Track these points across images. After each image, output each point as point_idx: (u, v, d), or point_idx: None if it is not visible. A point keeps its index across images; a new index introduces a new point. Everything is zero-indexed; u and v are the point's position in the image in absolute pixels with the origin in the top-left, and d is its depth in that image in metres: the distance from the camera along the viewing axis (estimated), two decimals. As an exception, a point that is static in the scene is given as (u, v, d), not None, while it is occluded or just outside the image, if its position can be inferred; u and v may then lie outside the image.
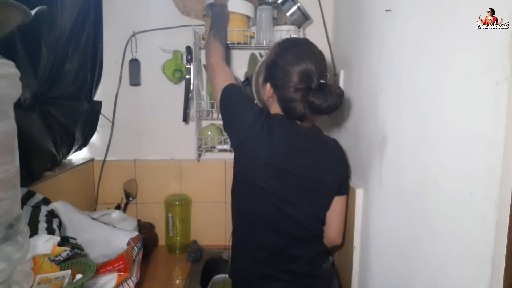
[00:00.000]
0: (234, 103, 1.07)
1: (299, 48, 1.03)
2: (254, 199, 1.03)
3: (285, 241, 1.05)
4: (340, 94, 1.00)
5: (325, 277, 1.10)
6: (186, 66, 1.56)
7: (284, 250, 1.05)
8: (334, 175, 1.09)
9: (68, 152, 1.51)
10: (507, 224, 0.54)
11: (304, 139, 1.07)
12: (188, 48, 1.56)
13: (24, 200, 1.04)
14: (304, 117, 1.04)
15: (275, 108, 1.08)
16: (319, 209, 1.11)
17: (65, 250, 0.94)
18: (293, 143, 1.04)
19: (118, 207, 1.66)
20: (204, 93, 1.65)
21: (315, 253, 1.09)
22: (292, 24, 1.52)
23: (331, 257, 1.22)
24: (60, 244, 0.94)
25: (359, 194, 1.16)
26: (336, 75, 1.47)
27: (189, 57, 1.55)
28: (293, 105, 1.02)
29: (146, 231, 1.61)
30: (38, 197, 1.09)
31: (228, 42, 1.48)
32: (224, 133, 1.62)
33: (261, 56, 1.44)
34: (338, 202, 1.14)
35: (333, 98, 0.98)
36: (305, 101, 0.99)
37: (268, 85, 1.06)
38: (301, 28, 1.53)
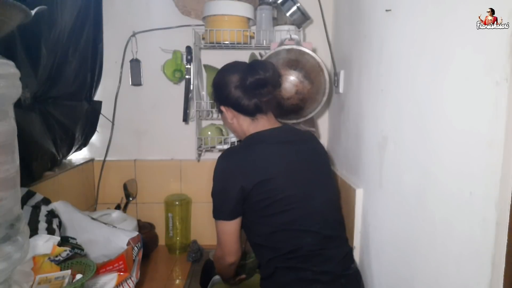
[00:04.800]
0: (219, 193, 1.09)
1: (223, 69, 1.19)
2: (282, 212, 1.05)
3: (319, 242, 1.05)
4: (271, 64, 1.13)
5: (355, 277, 1.10)
6: (186, 66, 1.56)
7: (320, 251, 1.05)
8: (324, 153, 1.22)
9: (68, 152, 1.51)
10: (507, 224, 0.54)
11: (287, 136, 1.15)
12: (188, 48, 1.56)
13: (24, 200, 1.04)
14: (259, 107, 1.12)
15: (245, 124, 1.15)
16: (334, 193, 1.21)
17: (65, 250, 0.94)
18: (281, 145, 1.11)
19: (118, 207, 1.66)
20: (204, 93, 1.65)
21: (344, 253, 1.11)
22: (292, 24, 1.52)
23: None
24: (60, 244, 0.94)
25: (359, 194, 1.16)
26: (336, 75, 1.47)
27: (189, 57, 1.55)
28: (244, 101, 1.11)
29: (146, 231, 1.61)
30: (38, 197, 1.09)
31: (228, 42, 1.48)
32: (224, 133, 1.62)
33: (261, 56, 1.44)
34: None
35: (267, 68, 1.10)
36: (248, 88, 1.09)
37: (222, 109, 1.16)
38: (301, 28, 1.53)
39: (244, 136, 1.16)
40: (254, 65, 1.14)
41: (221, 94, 1.15)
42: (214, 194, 1.09)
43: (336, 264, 1.06)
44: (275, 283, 1.07)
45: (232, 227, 1.09)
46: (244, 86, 1.10)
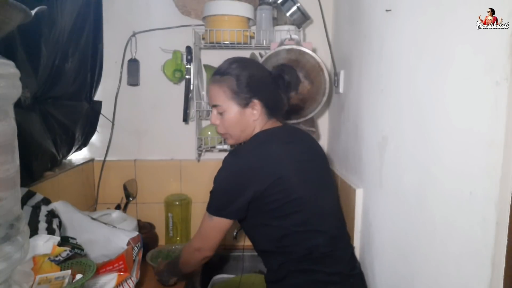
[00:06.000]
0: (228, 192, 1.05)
1: (258, 64, 1.22)
2: (294, 213, 1.03)
3: (329, 243, 1.04)
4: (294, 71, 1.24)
5: (360, 276, 1.11)
6: (186, 66, 1.56)
7: (331, 253, 1.04)
8: (324, 153, 1.22)
9: (68, 152, 1.51)
10: (507, 224, 0.54)
11: (292, 136, 1.15)
12: (188, 48, 1.56)
13: (24, 200, 1.04)
14: (285, 107, 1.17)
15: (261, 122, 1.12)
16: (336, 193, 1.21)
17: (65, 250, 0.94)
18: (290, 145, 1.10)
19: (118, 207, 1.66)
20: (204, 93, 1.65)
21: (350, 253, 1.11)
22: (292, 24, 1.52)
23: None
24: (60, 244, 0.94)
25: (359, 194, 1.16)
26: (336, 75, 1.47)
27: (189, 57, 1.55)
28: (283, 100, 1.15)
29: (146, 231, 1.61)
30: (38, 197, 1.09)
31: (228, 42, 1.48)
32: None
33: (261, 56, 1.44)
34: None
35: (295, 74, 1.22)
36: (281, 87, 1.15)
37: (255, 102, 1.09)
38: (301, 28, 1.53)
39: (249, 135, 1.12)
40: (287, 66, 1.21)
41: (262, 87, 1.10)
42: (220, 191, 1.05)
43: (345, 264, 1.06)
44: (286, 286, 1.04)
45: (228, 226, 1.06)
46: (283, 85, 1.15)
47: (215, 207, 1.06)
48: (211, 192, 1.07)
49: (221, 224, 1.06)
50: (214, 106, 1.12)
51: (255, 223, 1.08)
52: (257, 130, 1.12)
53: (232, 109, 1.09)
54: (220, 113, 1.11)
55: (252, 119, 1.10)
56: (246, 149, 1.10)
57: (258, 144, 1.09)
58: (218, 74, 1.13)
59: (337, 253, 1.05)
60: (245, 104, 1.09)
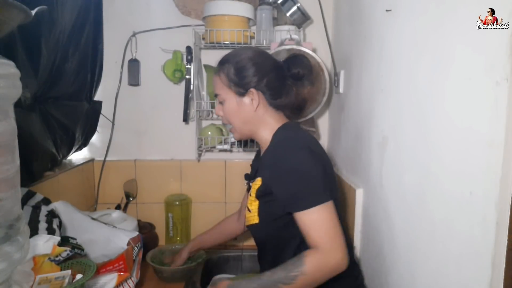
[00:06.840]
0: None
1: (260, 51, 1.08)
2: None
3: (350, 251, 0.99)
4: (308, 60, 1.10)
5: (362, 283, 1.10)
6: (186, 66, 1.56)
7: (353, 261, 1.00)
8: None
9: (68, 152, 1.51)
10: (507, 224, 0.54)
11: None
12: (188, 48, 1.56)
13: (24, 200, 1.04)
14: (292, 100, 1.07)
15: (269, 116, 1.04)
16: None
17: (65, 250, 0.94)
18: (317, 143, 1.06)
19: (118, 207, 1.66)
20: (204, 93, 1.65)
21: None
22: (292, 24, 1.52)
23: None
24: (60, 244, 0.94)
25: (359, 194, 1.16)
26: (336, 75, 1.47)
27: (189, 57, 1.55)
28: (286, 91, 1.05)
29: (146, 231, 1.61)
30: (38, 197, 1.09)
31: (228, 42, 1.48)
32: (224, 133, 1.62)
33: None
34: None
35: (306, 64, 1.07)
36: (287, 78, 1.05)
37: (252, 91, 1.01)
38: (301, 28, 1.53)
39: (258, 128, 1.05)
40: (299, 57, 1.10)
41: (258, 75, 1.01)
42: (298, 174, 0.91)
43: (358, 273, 1.07)
44: None
45: (334, 209, 0.90)
46: (285, 75, 1.05)
47: (305, 197, 0.90)
48: (294, 188, 0.92)
49: (330, 210, 0.89)
50: (216, 95, 1.08)
51: (289, 222, 0.94)
52: (272, 123, 1.04)
53: (230, 98, 1.04)
54: (221, 103, 1.07)
55: (251, 109, 1.02)
56: (294, 136, 1.01)
57: (299, 133, 1.04)
58: (219, 63, 1.09)
59: (354, 260, 1.05)
60: (242, 93, 1.02)
